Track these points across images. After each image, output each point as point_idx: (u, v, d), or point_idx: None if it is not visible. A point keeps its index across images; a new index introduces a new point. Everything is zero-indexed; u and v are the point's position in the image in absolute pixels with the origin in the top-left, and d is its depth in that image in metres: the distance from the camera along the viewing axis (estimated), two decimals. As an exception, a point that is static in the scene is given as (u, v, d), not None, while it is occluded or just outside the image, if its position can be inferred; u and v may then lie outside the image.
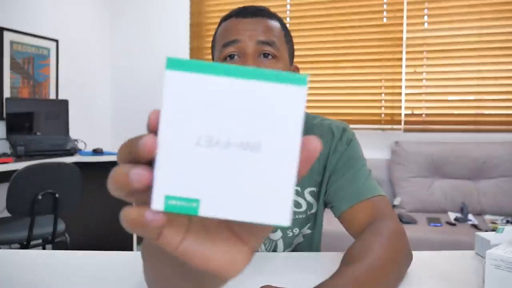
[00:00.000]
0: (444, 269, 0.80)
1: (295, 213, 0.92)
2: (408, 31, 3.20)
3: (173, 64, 0.26)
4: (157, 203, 0.25)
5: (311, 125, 0.95)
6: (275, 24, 0.86)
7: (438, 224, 2.56)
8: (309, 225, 0.95)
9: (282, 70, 0.83)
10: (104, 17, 3.86)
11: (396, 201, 2.97)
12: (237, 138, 0.25)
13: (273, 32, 0.84)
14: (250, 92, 0.25)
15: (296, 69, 0.93)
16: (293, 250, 0.95)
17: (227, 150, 0.25)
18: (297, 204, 0.92)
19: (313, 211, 0.94)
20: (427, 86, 3.20)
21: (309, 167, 0.27)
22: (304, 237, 0.96)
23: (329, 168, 0.91)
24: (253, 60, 0.80)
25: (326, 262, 0.86)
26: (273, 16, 0.87)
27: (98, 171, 2.86)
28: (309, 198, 0.93)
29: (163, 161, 0.25)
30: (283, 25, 0.89)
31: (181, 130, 0.25)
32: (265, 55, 0.81)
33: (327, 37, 3.36)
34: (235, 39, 0.81)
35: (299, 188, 0.92)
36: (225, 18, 0.87)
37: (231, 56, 0.82)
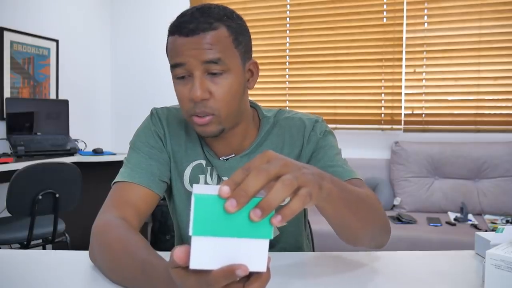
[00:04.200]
0: (444, 269, 0.80)
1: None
2: (408, 31, 3.20)
3: (199, 230, 0.45)
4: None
5: (280, 119, 0.98)
6: (219, 34, 0.82)
7: (438, 224, 2.56)
8: None
9: (230, 81, 0.83)
10: (104, 17, 3.86)
11: (396, 201, 2.97)
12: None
13: (218, 46, 0.81)
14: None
15: (255, 65, 0.91)
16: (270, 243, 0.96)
17: None
18: (261, 193, 0.93)
19: (283, 202, 0.94)
20: (427, 86, 3.20)
21: None
22: (280, 230, 0.97)
23: (304, 157, 0.95)
24: (200, 80, 0.81)
25: (322, 262, 0.86)
26: (217, 21, 0.82)
27: (98, 171, 2.87)
28: None
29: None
30: (231, 26, 0.84)
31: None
32: (214, 73, 0.82)
33: (327, 37, 3.36)
34: (181, 62, 0.82)
35: None
36: (170, 31, 0.85)
37: (182, 77, 0.84)
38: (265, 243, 0.47)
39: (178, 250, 0.47)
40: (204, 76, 0.82)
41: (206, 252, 0.46)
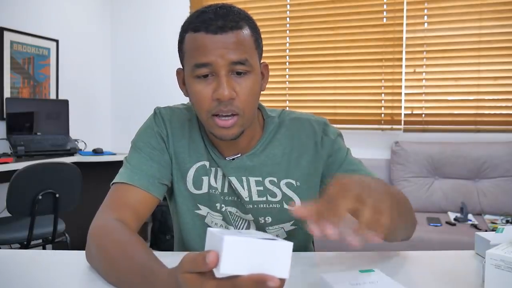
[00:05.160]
0: (444, 269, 0.80)
1: (268, 201, 0.94)
2: (408, 31, 3.20)
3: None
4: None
5: (286, 119, 0.98)
6: (245, 33, 0.82)
7: (438, 224, 2.56)
8: (292, 222, 0.96)
9: (253, 81, 0.84)
10: (104, 17, 3.86)
11: (396, 201, 2.97)
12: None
13: (244, 46, 0.81)
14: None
15: (266, 67, 0.92)
16: None
17: None
18: (272, 194, 0.94)
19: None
20: (426, 86, 3.20)
21: None
22: (287, 233, 0.97)
23: (321, 161, 0.95)
24: (226, 80, 0.80)
25: (322, 262, 0.86)
26: (241, 20, 0.83)
27: (98, 171, 2.87)
28: (286, 190, 0.94)
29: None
30: (252, 27, 0.85)
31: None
32: (238, 72, 0.82)
33: (327, 37, 3.36)
34: (208, 62, 0.80)
35: (275, 179, 0.94)
36: (192, 28, 0.82)
37: (204, 75, 0.82)
38: (289, 249, 0.49)
39: (211, 255, 0.47)
40: (229, 75, 0.81)
41: (235, 257, 0.46)
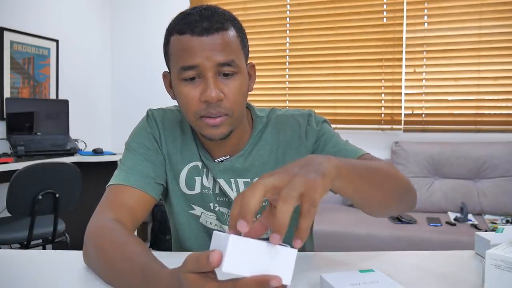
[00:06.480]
0: (444, 269, 0.80)
1: None
2: (408, 31, 3.20)
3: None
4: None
5: (272, 117, 0.98)
6: (230, 34, 0.82)
7: (438, 224, 2.56)
8: None
9: (240, 82, 0.83)
10: (104, 17, 3.86)
11: (396, 201, 2.97)
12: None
13: (230, 47, 0.81)
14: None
15: (253, 67, 0.92)
16: None
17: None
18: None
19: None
20: (426, 86, 3.20)
21: None
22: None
23: (306, 154, 0.93)
24: (213, 81, 0.80)
25: (322, 262, 0.86)
26: (227, 21, 0.82)
27: (98, 171, 2.87)
28: None
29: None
30: (237, 28, 0.85)
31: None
32: (225, 74, 0.82)
33: (327, 37, 3.36)
34: (194, 64, 0.80)
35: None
36: (178, 30, 0.81)
37: (191, 78, 0.82)
38: (293, 256, 0.48)
39: (215, 254, 0.46)
40: (216, 77, 0.81)
41: (239, 257, 0.46)
